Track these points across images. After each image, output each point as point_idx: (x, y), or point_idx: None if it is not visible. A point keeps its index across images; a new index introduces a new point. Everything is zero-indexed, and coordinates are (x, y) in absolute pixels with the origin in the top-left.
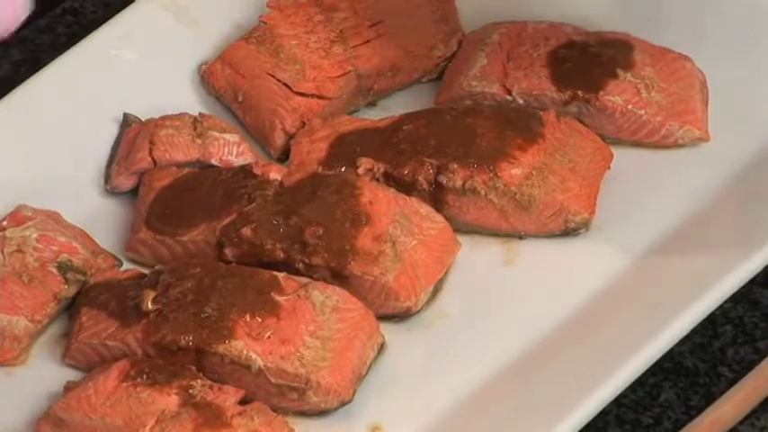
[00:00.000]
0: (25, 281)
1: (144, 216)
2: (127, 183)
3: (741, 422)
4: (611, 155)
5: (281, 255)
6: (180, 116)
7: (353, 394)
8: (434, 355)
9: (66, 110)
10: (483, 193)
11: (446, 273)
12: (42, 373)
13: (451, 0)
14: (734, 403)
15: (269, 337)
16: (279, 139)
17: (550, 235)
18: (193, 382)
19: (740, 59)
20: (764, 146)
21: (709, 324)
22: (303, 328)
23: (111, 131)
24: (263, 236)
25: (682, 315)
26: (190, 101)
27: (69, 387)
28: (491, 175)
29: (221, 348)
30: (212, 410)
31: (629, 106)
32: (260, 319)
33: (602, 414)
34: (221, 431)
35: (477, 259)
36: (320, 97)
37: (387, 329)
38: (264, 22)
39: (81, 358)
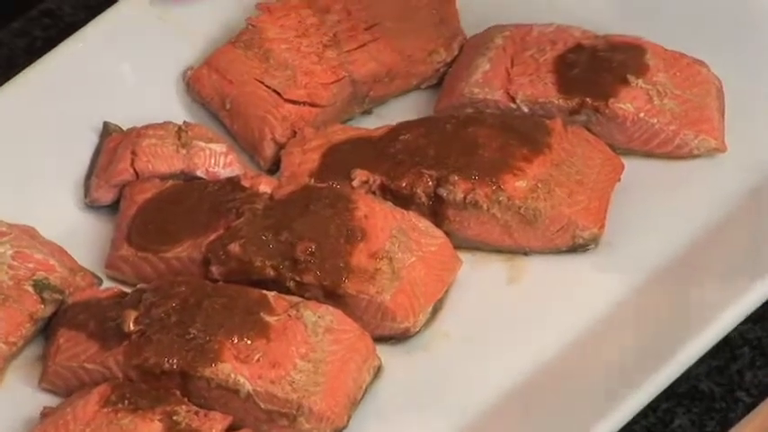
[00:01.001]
0: None
1: (125, 231)
2: (107, 196)
3: None
4: (622, 166)
5: (271, 272)
6: (164, 125)
7: (348, 420)
8: (434, 379)
9: (42, 119)
10: (485, 206)
11: (446, 291)
12: (18, 398)
13: (452, 2)
14: (752, 429)
15: (258, 359)
16: (269, 150)
17: (557, 251)
18: (178, 408)
19: (759, 65)
20: None
21: (726, 346)
22: (294, 350)
23: (91, 141)
24: (251, 252)
25: (696, 336)
26: (174, 109)
27: (46, 413)
28: (494, 187)
29: (208, 372)
30: None
31: (641, 114)
32: (248, 341)
33: None
34: None
35: (479, 277)
36: (312, 105)
37: (383, 352)
38: (253, 25)
39: (59, 382)
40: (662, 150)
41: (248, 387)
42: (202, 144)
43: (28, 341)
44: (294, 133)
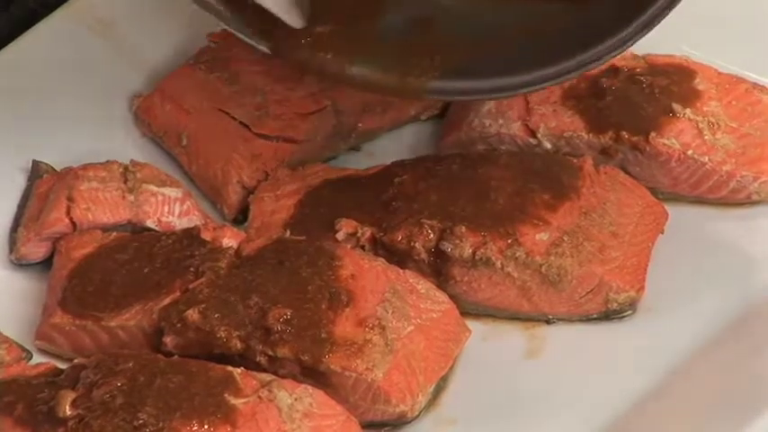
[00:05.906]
0: None
1: (59, 295)
2: (37, 251)
3: None
4: (666, 215)
5: (238, 345)
6: (106, 165)
7: None
8: None
9: None
10: (499, 264)
11: (451, 368)
12: None
13: None
14: None
15: None
16: (234, 195)
17: (586, 319)
18: None
19: None
20: None
21: None
22: None
23: (18, 184)
24: (213, 320)
25: (752, 423)
26: (119, 144)
27: None
28: (509, 241)
29: None
30: None
31: (689, 152)
32: (210, 428)
33: None
34: None
35: (491, 350)
36: (288, 140)
37: None
38: (215, 42)
39: None
40: (714, 195)
41: None
42: (153, 188)
43: None
44: (266, 175)
